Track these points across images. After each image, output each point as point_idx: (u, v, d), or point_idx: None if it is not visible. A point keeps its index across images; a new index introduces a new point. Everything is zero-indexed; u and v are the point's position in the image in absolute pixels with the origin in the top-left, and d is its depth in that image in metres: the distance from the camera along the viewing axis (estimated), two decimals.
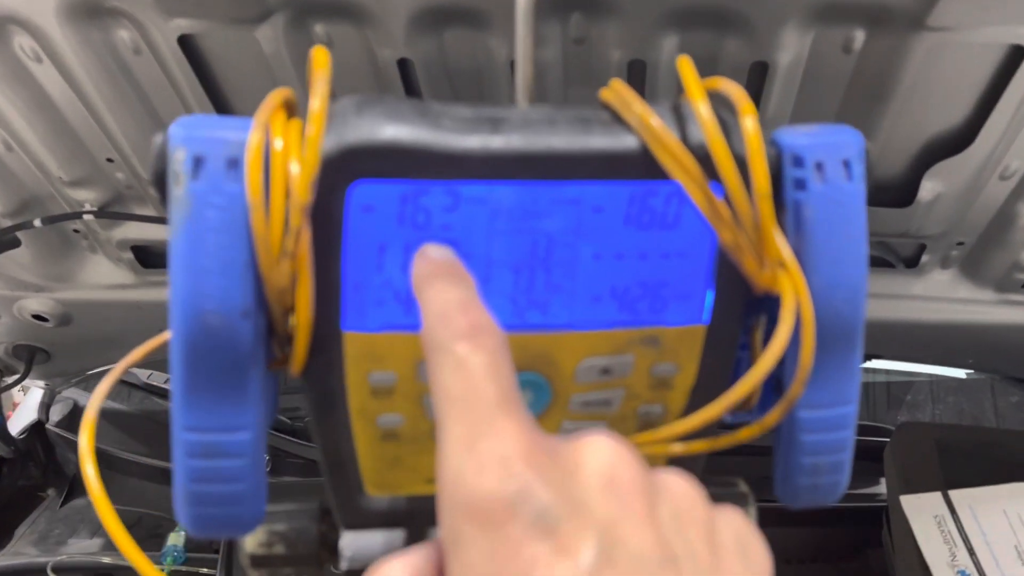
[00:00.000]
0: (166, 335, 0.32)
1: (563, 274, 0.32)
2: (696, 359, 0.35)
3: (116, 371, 0.37)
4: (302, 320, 0.30)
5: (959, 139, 0.74)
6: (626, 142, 0.30)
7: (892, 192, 0.81)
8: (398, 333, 0.33)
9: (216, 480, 0.32)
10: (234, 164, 0.29)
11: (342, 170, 0.29)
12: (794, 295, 0.30)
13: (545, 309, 0.33)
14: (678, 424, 0.33)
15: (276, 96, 0.31)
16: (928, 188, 0.78)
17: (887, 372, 1.54)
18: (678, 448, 0.34)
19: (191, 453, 0.31)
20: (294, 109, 0.32)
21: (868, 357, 1.07)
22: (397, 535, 0.36)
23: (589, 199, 0.30)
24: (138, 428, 1.30)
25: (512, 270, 0.32)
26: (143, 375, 1.36)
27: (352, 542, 0.36)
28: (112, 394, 1.34)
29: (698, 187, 0.29)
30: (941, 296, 0.93)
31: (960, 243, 0.87)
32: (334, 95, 0.31)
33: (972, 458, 0.96)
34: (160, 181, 0.30)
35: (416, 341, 0.32)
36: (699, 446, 0.34)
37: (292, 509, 0.38)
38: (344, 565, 0.36)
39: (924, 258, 0.90)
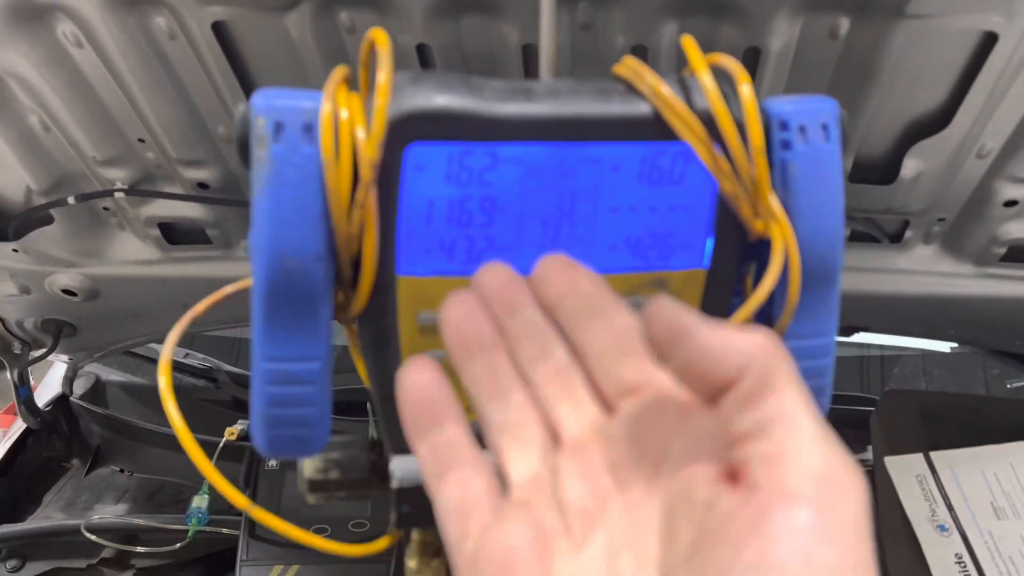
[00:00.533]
0: (246, 282, 0.37)
1: (585, 225, 0.38)
2: (698, 299, 0.40)
3: (189, 316, 0.43)
4: (368, 263, 0.36)
5: (938, 120, 0.80)
6: (640, 108, 0.35)
7: (877, 170, 0.86)
8: (443, 277, 0.38)
9: (291, 404, 0.37)
10: (309, 129, 0.34)
11: (401, 133, 0.34)
12: (783, 240, 0.36)
13: (570, 254, 0.38)
14: None
15: (339, 73, 0.36)
16: (910, 166, 0.83)
17: (881, 347, 1.60)
18: None
19: (269, 380, 0.36)
20: (350, 83, 0.37)
21: (856, 329, 1.13)
22: None
23: (608, 158, 0.36)
24: (159, 401, 1.35)
25: (541, 221, 0.37)
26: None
27: (401, 465, 0.42)
28: (132, 369, 1.40)
29: (703, 146, 0.34)
30: (924, 270, 0.99)
31: (941, 219, 0.93)
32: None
33: (953, 422, 1.01)
34: (242, 145, 0.35)
35: (458, 284, 0.38)
36: None
37: (345, 440, 0.43)
38: (395, 484, 0.41)
39: (908, 233, 0.95)
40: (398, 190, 0.35)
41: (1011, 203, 0.87)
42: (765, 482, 0.23)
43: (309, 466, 0.43)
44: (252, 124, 0.34)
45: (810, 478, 0.23)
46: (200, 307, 0.42)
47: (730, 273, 0.40)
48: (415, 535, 0.48)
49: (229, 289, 0.42)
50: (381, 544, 0.44)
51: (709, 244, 0.39)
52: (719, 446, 0.26)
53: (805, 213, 0.37)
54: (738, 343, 0.25)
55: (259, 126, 0.34)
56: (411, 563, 0.47)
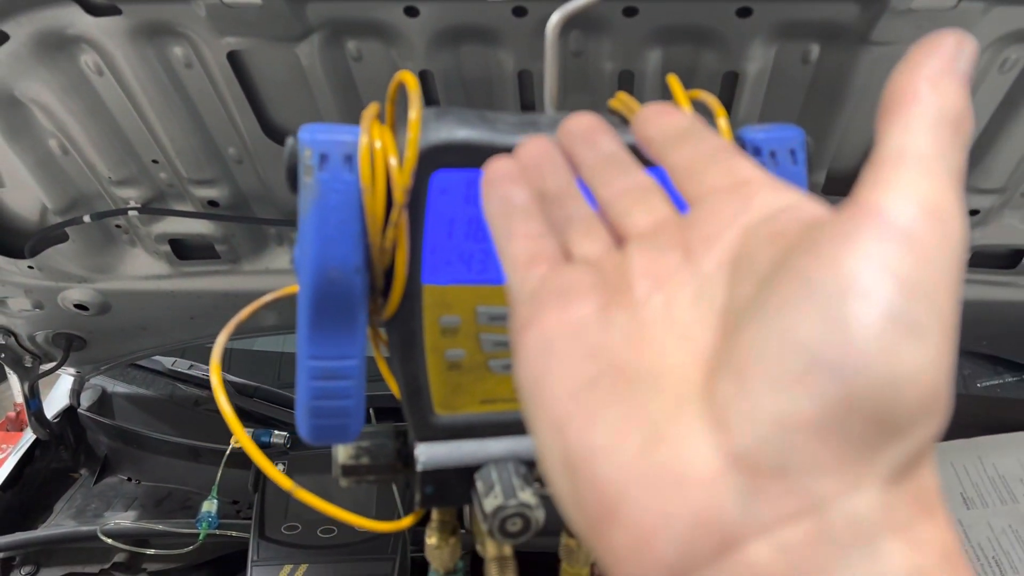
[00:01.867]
0: (292, 288, 0.42)
1: None
2: None
3: (235, 320, 0.48)
4: (399, 274, 0.41)
5: None
6: (630, 138, 0.41)
7: (849, 183, 0.92)
8: (462, 285, 0.43)
9: (332, 397, 0.42)
10: (349, 159, 0.39)
11: (428, 162, 0.40)
12: None
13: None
14: None
15: (372, 110, 0.42)
16: None
17: None
18: None
19: (314, 376, 0.42)
20: (380, 117, 0.43)
21: None
22: (459, 445, 0.47)
23: None
24: (165, 411, 1.40)
25: None
26: (167, 362, 1.45)
27: (425, 451, 0.47)
28: (137, 381, 1.44)
29: None
30: None
31: None
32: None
33: None
34: (291, 173, 0.40)
35: (474, 291, 0.43)
36: None
37: (374, 430, 0.48)
38: (420, 468, 0.46)
39: None
40: (424, 211, 0.41)
41: (973, 212, 0.94)
42: (869, 199, 0.22)
43: (343, 453, 0.48)
44: (300, 155, 0.39)
45: (916, 204, 0.22)
46: (244, 312, 0.47)
47: None
48: (435, 515, 0.53)
49: (268, 298, 0.48)
50: (407, 521, 0.49)
51: None
52: (812, 210, 0.26)
53: None
54: (925, 75, 0.24)
55: (306, 157, 0.39)
56: (431, 540, 0.52)
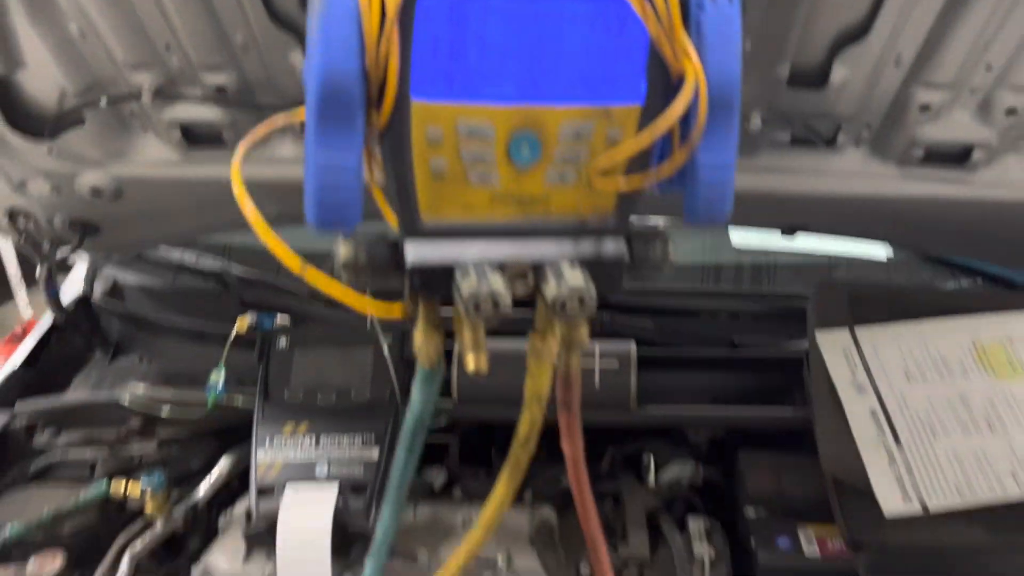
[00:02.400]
0: (300, 112, 0.50)
1: (551, 64, 0.51)
2: (634, 128, 0.54)
3: (255, 134, 0.56)
4: (391, 83, 0.49)
5: (861, 29, 0.93)
6: None
7: (810, 76, 1.00)
8: (446, 102, 0.51)
9: (335, 187, 0.50)
10: None
11: None
12: (693, 70, 0.49)
13: (539, 88, 0.52)
14: (624, 146, 0.53)
15: None
16: (839, 72, 0.97)
17: (842, 257, 1.72)
18: (623, 183, 0.53)
19: (320, 167, 0.50)
20: None
21: (795, 229, 1.28)
22: (442, 243, 0.55)
23: (569, 10, 0.49)
24: (171, 300, 1.49)
25: (519, 59, 0.50)
26: (175, 254, 1.53)
27: (413, 249, 0.55)
28: (147, 271, 1.52)
29: (638, 1, 0.48)
30: (854, 171, 1.13)
31: (869, 124, 1.06)
32: None
33: (875, 305, 1.17)
34: None
35: (456, 108, 0.51)
36: (636, 180, 0.53)
37: (371, 236, 0.57)
38: (408, 264, 0.55)
39: (840, 138, 1.09)
40: (412, 30, 0.49)
41: (925, 108, 1.01)
42: None
43: (343, 251, 0.56)
44: None
45: None
46: (261, 129, 0.55)
47: (659, 109, 0.53)
48: (421, 312, 0.61)
49: (280, 120, 0.56)
50: (397, 309, 0.58)
51: (643, 85, 0.52)
52: None
53: (713, 56, 0.50)
54: None
55: None
56: (418, 337, 0.61)
